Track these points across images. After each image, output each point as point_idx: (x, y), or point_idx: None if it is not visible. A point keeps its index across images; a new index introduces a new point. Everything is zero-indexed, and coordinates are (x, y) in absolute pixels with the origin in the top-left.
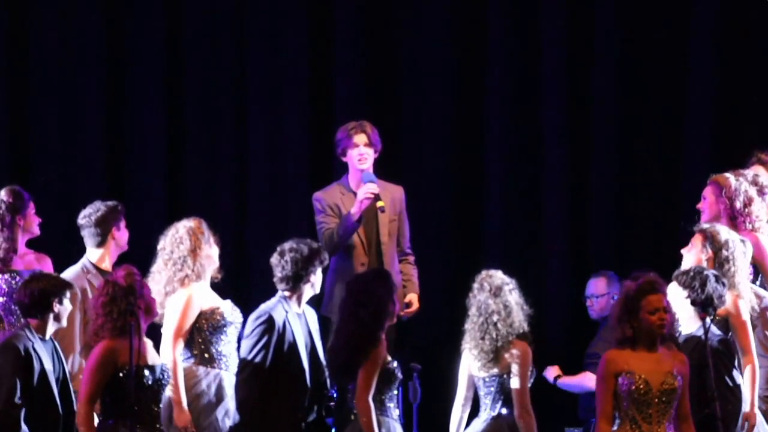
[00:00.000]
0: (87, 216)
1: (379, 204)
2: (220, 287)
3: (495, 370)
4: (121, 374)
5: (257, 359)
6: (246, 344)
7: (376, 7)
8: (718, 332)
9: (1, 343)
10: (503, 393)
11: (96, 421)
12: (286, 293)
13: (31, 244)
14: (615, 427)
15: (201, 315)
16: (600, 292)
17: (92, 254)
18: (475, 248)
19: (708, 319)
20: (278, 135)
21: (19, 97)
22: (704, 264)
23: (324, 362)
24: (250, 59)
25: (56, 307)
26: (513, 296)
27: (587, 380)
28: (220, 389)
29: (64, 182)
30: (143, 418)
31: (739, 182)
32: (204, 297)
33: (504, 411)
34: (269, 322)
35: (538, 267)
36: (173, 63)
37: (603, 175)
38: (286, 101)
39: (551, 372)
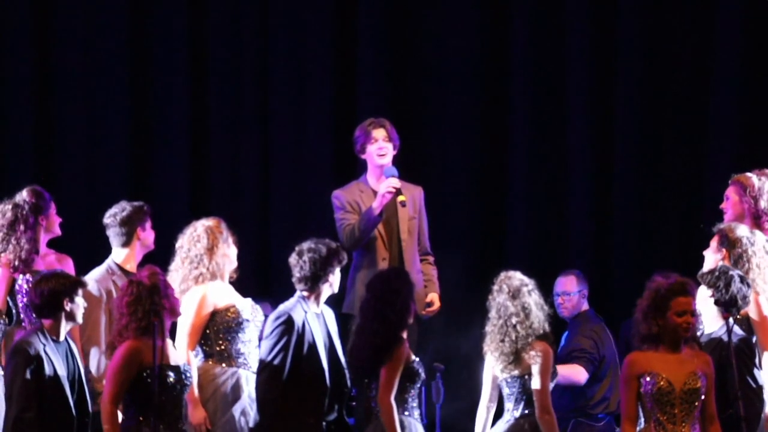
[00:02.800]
0: (112, 215)
1: (400, 198)
2: (242, 285)
3: (516, 372)
4: (145, 374)
5: (277, 360)
6: (265, 345)
7: (400, 6)
8: (740, 332)
9: (12, 347)
10: (525, 394)
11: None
12: (305, 293)
13: (56, 244)
14: (639, 428)
15: (216, 313)
16: (571, 290)
17: (117, 254)
18: (498, 248)
19: (731, 319)
20: (301, 135)
21: (43, 98)
22: (720, 263)
23: (344, 362)
24: (272, 59)
25: (68, 306)
26: (532, 297)
27: (577, 373)
28: (237, 387)
29: (88, 182)
30: (166, 417)
31: (762, 182)
32: (219, 295)
33: (527, 411)
34: (288, 322)
35: (561, 267)
36: (197, 63)
37: (627, 176)
38: (309, 100)
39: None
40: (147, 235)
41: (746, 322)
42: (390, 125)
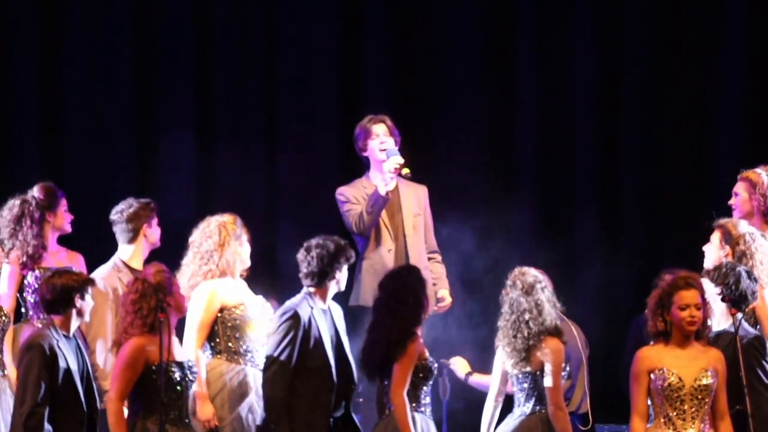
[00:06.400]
0: (119, 212)
1: (405, 171)
2: (248, 282)
3: (528, 368)
4: (150, 371)
5: (283, 356)
6: (272, 341)
7: (406, 2)
8: (752, 330)
9: (26, 341)
10: (536, 390)
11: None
12: (312, 289)
13: (64, 240)
14: (649, 425)
15: (225, 310)
16: None
17: (123, 251)
18: (504, 248)
19: (740, 315)
20: (308, 131)
21: (51, 95)
22: (723, 260)
23: (350, 358)
24: (279, 59)
25: (78, 303)
26: (545, 294)
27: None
28: (244, 385)
29: (94, 179)
30: (171, 414)
31: None
32: (229, 292)
33: (537, 408)
34: (295, 318)
35: (569, 265)
36: (203, 59)
37: (634, 173)
38: (316, 96)
39: (459, 367)
40: (153, 232)
41: (752, 315)
42: (390, 120)
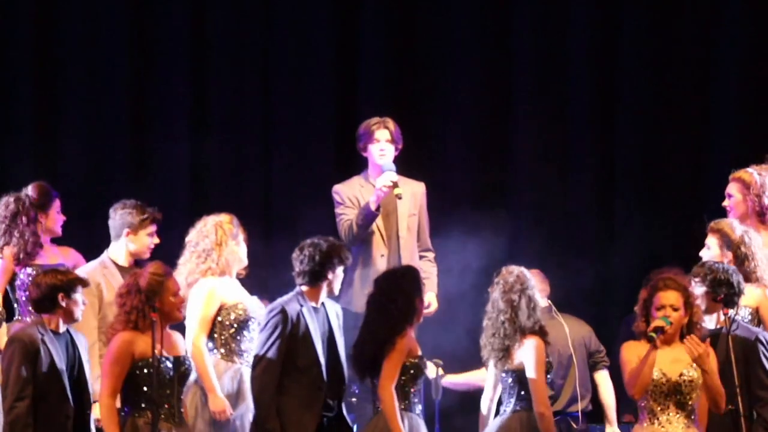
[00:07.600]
0: (115, 209)
1: (397, 191)
2: (242, 281)
3: (507, 366)
4: (137, 366)
5: (270, 353)
6: (260, 338)
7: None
8: (755, 329)
9: (9, 337)
10: (517, 389)
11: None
12: (303, 288)
13: (61, 240)
14: (636, 425)
15: (223, 309)
16: None
17: (112, 248)
18: (499, 246)
19: (732, 313)
20: (302, 128)
21: (47, 95)
22: (708, 262)
23: (343, 357)
24: (273, 56)
25: (64, 302)
26: (526, 294)
27: (478, 378)
28: (241, 384)
29: (92, 179)
30: (162, 409)
31: (763, 177)
32: (227, 291)
33: (518, 407)
34: (281, 314)
35: (565, 265)
36: (198, 59)
37: (629, 169)
38: (311, 96)
39: (429, 371)
40: (138, 239)
41: (755, 315)
42: (395, 125)
